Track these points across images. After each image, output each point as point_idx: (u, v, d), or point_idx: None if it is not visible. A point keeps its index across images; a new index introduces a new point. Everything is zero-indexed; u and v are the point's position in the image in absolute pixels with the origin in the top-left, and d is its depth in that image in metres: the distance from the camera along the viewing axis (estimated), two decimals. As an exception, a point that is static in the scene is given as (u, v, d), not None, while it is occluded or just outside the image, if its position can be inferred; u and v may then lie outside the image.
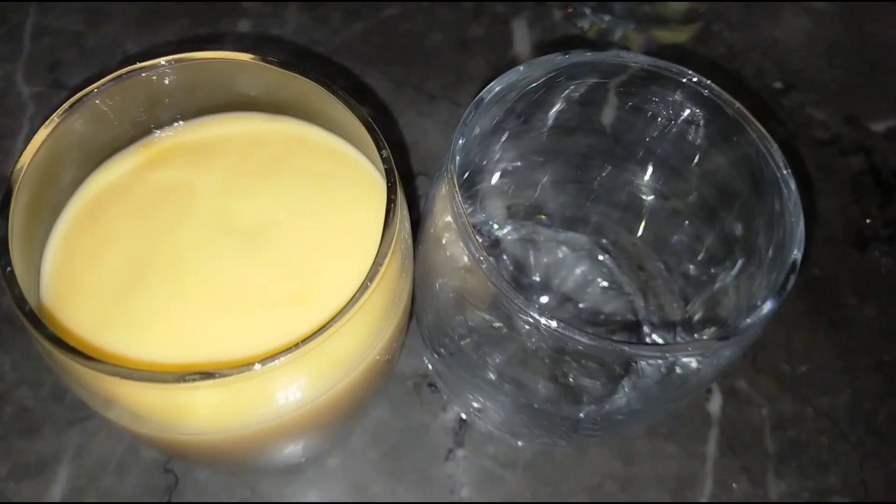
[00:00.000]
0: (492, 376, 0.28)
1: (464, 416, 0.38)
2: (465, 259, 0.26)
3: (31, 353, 0.38)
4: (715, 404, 0.40)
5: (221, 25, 0.51)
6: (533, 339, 0.26)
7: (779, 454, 0.39)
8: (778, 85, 0.52)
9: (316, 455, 0.36)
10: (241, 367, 0.22)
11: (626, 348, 0.23)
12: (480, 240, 0.26)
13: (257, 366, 0.22)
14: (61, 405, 0.37)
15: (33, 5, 0.51)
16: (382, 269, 0.25)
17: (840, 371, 0.42)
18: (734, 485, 0.38)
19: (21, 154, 0.26)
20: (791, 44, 0.53)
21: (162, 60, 0.28)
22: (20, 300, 0.23)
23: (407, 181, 0.45)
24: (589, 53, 0.31)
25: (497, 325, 0.27)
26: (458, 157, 0.27)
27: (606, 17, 0.52)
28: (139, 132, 0.31)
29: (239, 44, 0.50)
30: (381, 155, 0.27)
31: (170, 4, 0.51)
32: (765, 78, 0.52)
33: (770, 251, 0.29)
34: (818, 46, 0.54)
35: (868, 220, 0.47)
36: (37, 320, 0.23)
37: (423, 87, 0.49)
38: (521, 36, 0.52)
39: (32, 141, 0.26)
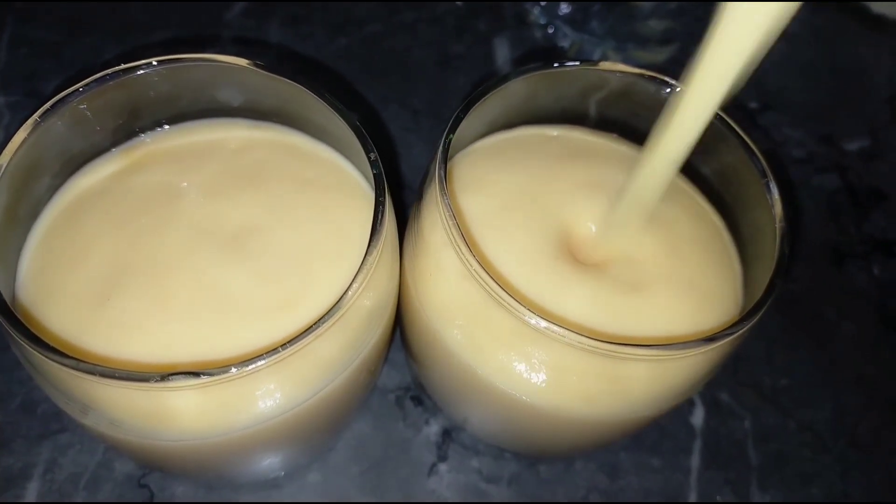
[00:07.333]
0: (483, 386, 0.28)
1: (449, 427, 0.37)
2: (457, 265, 0.26)
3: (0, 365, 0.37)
4: (698, 417, 0.40)
5: (202, 39, 0.51)
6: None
7: (762, 467, 0.39)
8: (754, 104, 0.53)
9: (296, 468, 0.36)
10: (227, 367, 0.22)
11: (619, 347, 0.23)
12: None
13: (242, 367, 0.22)
14: (32, 419, 0.36)
15: (11, 15, 0.50)
16: (370, 272, 0.25)
17: (821, 385, 0.42)
18: (718, 497, 0.38)
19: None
20: (766, 65, 0.54)
21: (148, 61, 0.28)
22: (-2, 301, 0.22)
23: (392, 193, 0.45)
24: (570, 63, 0.31)
25: (490, 328, 0.26)
26: (446, 162, 0.27)
27: (586, 37, 0.52)
28: (122, 136, 0.30)
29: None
30: (369, 158, 0.27)
31: (150, 17, 0.51)
32: (741, 97, 0.53)
33: (755, 254, 0.30)
34: (792, 68, 0.55)
35: (844, 237, 0.48)
36: (15, 320, 0.22)
37: (407, 103, 0.49)
38: (503, 54, 0.52)
39: (11, 142, 0.26)
